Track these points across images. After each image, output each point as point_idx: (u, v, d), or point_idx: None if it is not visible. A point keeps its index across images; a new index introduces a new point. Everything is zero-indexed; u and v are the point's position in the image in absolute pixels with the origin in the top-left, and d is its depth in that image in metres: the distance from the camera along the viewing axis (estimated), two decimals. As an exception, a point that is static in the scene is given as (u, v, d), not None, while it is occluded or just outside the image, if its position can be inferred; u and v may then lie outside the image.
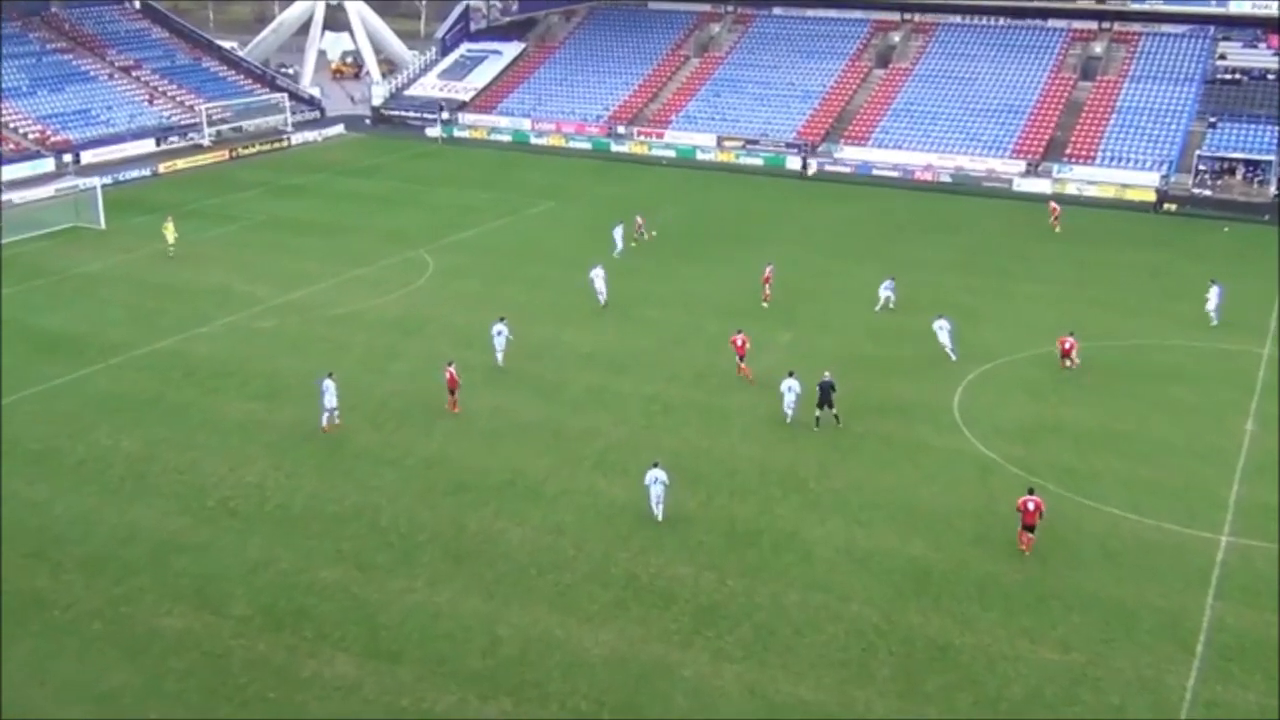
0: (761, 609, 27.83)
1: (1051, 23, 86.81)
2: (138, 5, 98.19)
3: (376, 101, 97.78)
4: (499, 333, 42.55)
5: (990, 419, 38.36)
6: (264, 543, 30.66)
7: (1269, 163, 70.81)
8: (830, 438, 36.94)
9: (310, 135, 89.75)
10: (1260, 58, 79.36)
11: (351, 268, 54.80)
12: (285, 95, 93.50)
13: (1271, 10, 77.31)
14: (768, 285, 50.02)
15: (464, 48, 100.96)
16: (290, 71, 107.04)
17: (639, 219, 59.55)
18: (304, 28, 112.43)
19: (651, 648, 26.42)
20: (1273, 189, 69.84)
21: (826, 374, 37.68)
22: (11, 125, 78.11)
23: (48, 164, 76.26)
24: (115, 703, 24.60)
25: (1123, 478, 34.46)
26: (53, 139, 79.09)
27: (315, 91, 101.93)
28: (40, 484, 33.76)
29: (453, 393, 38.57)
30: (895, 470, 34.98)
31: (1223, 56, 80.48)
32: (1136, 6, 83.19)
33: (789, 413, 37.75)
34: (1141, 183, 71.22)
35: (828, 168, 78.88)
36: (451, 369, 38.75)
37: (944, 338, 43.68)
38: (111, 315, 48.42)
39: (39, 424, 37.72)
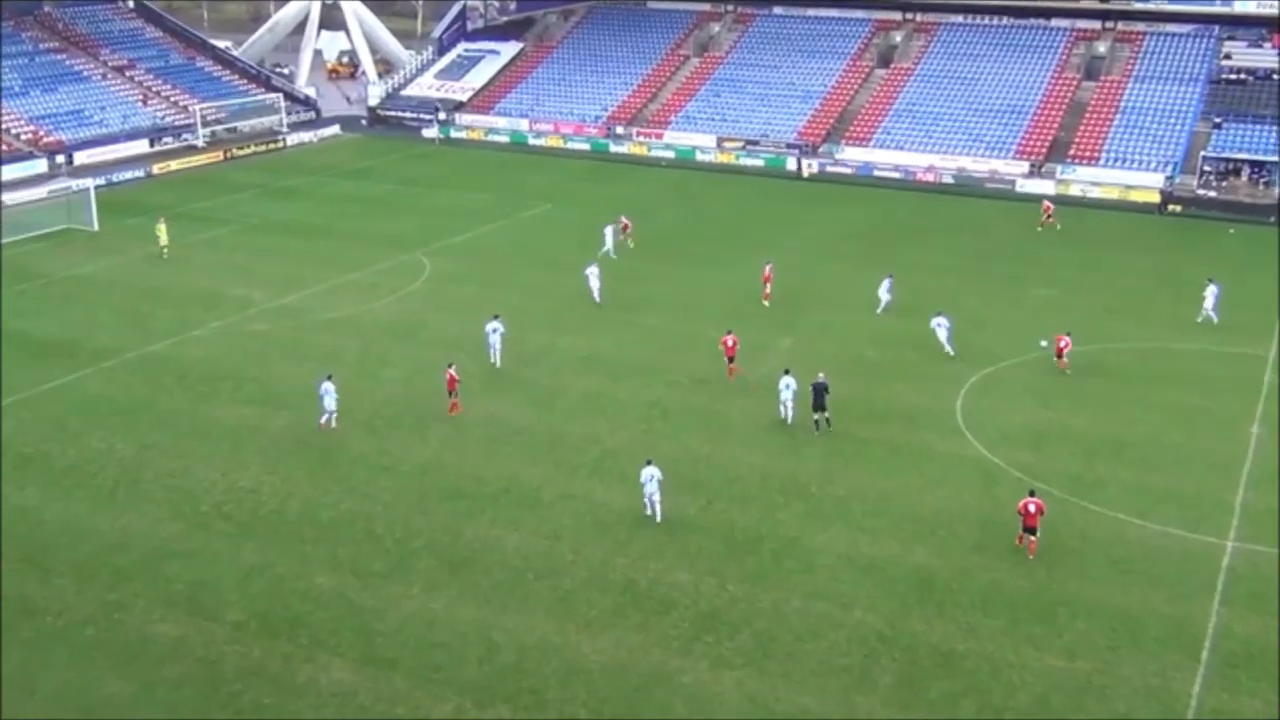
0: (762, 616, 27.55)
1: (1055, 22, 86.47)
2: (131, 4, 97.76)
3: (373, 102, 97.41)
4: (494, 330, 42.36)
5: (994, 424, 38.05)
6: (258, 549, 30.37)
7: (1274, 164, 70.41)
8: (832, 443, 36.63)
9: (306, 136, 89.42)
10: (1265, 57, 78.92)
11: (346, 271, 54.44)
12: (280, 95, 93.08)
13: (1276, 10, 76.96)
14: (768, 284, 49.76)
15: (461, 47, 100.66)
16: (285, 71, 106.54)
17: (624, 220, 59.13)
18: (299, 27, 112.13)
19: (650, 655, 26.15)
20: (1278, 190, 69.51)
21: (821, 375, 37.41)
22: (3, 126, 77.63)
23: (40, 165, 75.84)
24: (107, 711, 24.35)
25: (1128, 483, 34.16)
26: (45, 140, 78.69)
27: (311, 92, 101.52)
28: (31, 489, 33.48)
29: (452, 394, 38.26)
30: (898, 476, 34.66)
31: (1228, 56, 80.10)
32: (1140, 6, 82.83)
33: (785, 411, 37.50)
34: (1146, 184, 70.91)
35: (829, 169, 78.56)
36: (452, 370, 38.47)
37: (942, 335, 43.60)
38: (103, 318, 48.07)
39: (30, 428, 37.41)
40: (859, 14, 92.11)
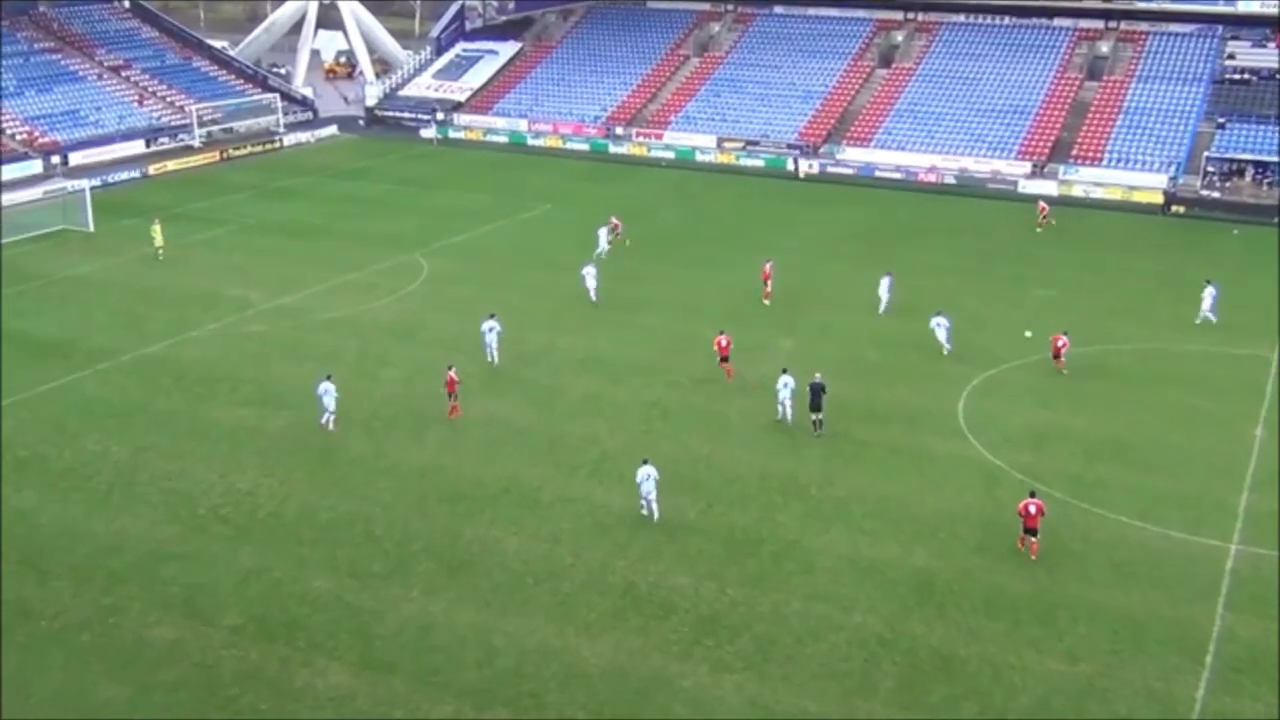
0: (762, 619, 27.41)
1: (1057, 22, 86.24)
2: (127, 4, 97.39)
3: (370, 102, 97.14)
4: (490, 329, 42.23)
5: (995, 425, 37.88)
6: (256, 551, 30.22)
7: (1278, 164, 70.14)
8: (832, 444, 36.48)
9: (303, 136, 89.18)
10: (1269, 58, 78.62)
11: (344, 272, 54.25)
12: (277, 96, 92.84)
13: (1280, 10, 76.87)
14: (768, 282, 49.62)
15: (459, 47, 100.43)
16: (282, 71, 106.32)
17: (614, 220, 58.92)
18: (296, 27, 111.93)
19: (650, 658, 26.02)
20: (1282, 191, 69.38)
21: (817, 375, 37.24)
22: (-1, 126, 77.58)
23: (36, 166, 75.55)
24: (104, 715, 24.22)
25: (1130, 485, 34.00)
26: (40, 140, 78.43)
27: (308, 92, 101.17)
28: (27, 491, 33.33)
29: (452, 396, 38.10)
30: (899, 478, 34.51)
31: (1231, 56, 79.82)
32: (1143, 5, 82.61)
33: (783, 411, 37.40)
34: (1149, 184, 70.69)
35: (829, 169, 78.37)
36: (452, 372, 38.31)
37: (941, 335, 43.51)
38: (100, 319, 47.90)
39: (27, 430, 37.25)
40: (860, 13, 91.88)
